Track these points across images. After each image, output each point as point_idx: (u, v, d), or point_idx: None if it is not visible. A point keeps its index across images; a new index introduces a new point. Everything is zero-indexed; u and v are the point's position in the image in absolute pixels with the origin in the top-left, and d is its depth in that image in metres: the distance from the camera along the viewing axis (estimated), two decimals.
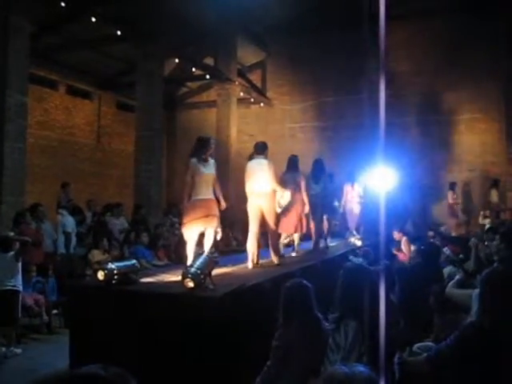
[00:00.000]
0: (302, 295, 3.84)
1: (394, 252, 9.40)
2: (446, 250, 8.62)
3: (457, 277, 5.13)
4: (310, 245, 8.94)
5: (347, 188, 10.87)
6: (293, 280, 4.06)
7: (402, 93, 14.84)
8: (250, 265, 6.69)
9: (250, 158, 7.01)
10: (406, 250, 9.36)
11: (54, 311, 8.33)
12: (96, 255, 9.10)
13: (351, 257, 7.98)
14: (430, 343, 4.44)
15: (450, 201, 13.91)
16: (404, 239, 9.53)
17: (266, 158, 6.84)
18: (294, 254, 8.19)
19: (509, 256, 5.15)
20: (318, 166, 8.94)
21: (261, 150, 6.86)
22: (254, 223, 6.78)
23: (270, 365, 3.76)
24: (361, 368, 1.80)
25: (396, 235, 9.63)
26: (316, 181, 8.71)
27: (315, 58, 15.96)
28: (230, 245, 12.98)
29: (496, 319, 3.00)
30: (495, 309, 3.03)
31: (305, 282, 3.96)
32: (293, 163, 8.17)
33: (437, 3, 14.42)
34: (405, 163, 12.48)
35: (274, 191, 6.89)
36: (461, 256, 8.56)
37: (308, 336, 3.67)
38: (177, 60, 14.88)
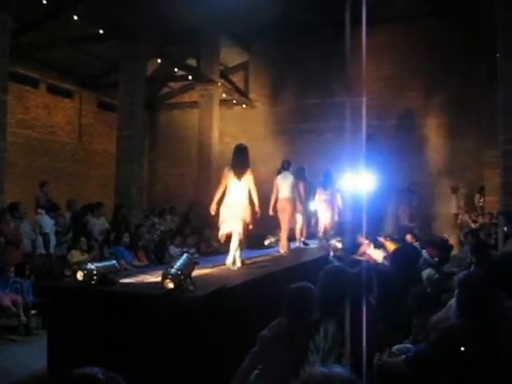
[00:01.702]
0: (304, 299, 3.82)
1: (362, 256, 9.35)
2: (424, 253, 8.68)
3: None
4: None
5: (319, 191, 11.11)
6: (300, 283, 4.03)
7: (383, 96, 14.97)
8: (281, 251, 8.83)
9: (279, 172, 9.29)
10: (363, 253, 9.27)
11: (32, 312, 8.24)
12: (75, 255, 9.03)
13: (331, 256, 8.07)
14: (409, 345, 4.47)
15: (477, 204, 14.21)
16: (366, 243, 9.47)
17: (290, 172, 9.22)
18: (302, 246, 10.09)
19: (483, 260, 5.24)
20: (328, 175, 10.88)
21: (287, 166, 9.26)
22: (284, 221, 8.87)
23: (253, 351, 3.76)
24: (339, 369, 1.79)
25: (360, 239, 9.56)
26: (326, 188, 10.76)
27: (298, 60, 16.02)
28: (211, 246, 12.97)
29: (473, 321, 3.04)
30: (472, 311, 3.08)
31: (310, 286, 3.94)
32: (301, 173, 10.15)
33: (418, 8, 14.57)
34: (384, 166, 12.57)
35: (294, 197, 9.11)
36: (436, 259, 8.65)
37: (296, 336, 3.67)
38: (159, 60, 14.83)
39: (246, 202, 6.78)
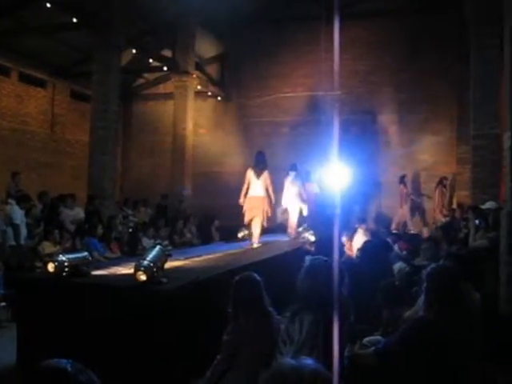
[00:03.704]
0: (250, 289, 3.86)
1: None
2: (395, 247, 8.82)
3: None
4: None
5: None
6: (242, 274, 4.08)
7: (358, 90, 15.07)
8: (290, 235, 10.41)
9: (287, 174, 10.86)
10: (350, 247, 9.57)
11: (2, 304, 8.10)
12: (47, 247, 8.89)
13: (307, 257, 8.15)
14: (379, 337, 4.54)
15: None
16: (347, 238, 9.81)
17: (296, 173, 10.80)
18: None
19: (453, 254, 5.34)
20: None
21: (294, 168, 10.84)
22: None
23: (220, 358, 3.77)
24: (308, 361, 1.79)
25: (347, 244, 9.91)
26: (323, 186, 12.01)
27: (273, 53, 16.00)
28: (184, 237, 12.93)
29: (440, 313, 3.10)
30: (439, 303, 3.14)
31: (254, 275, 3.98)
32: (307, 175, 12.02)
33: (393, 4, 14.70)
34: (359, 160, 12.67)
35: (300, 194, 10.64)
36: (404, 252, 8.80)
37: (257, 330, 3.70)
38: (134, 50, 14.67)
39: (263, 195, 8.75)
